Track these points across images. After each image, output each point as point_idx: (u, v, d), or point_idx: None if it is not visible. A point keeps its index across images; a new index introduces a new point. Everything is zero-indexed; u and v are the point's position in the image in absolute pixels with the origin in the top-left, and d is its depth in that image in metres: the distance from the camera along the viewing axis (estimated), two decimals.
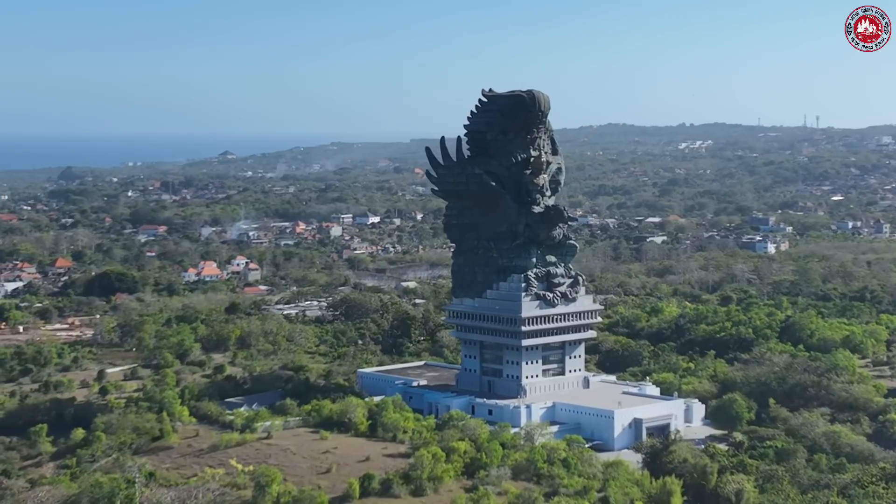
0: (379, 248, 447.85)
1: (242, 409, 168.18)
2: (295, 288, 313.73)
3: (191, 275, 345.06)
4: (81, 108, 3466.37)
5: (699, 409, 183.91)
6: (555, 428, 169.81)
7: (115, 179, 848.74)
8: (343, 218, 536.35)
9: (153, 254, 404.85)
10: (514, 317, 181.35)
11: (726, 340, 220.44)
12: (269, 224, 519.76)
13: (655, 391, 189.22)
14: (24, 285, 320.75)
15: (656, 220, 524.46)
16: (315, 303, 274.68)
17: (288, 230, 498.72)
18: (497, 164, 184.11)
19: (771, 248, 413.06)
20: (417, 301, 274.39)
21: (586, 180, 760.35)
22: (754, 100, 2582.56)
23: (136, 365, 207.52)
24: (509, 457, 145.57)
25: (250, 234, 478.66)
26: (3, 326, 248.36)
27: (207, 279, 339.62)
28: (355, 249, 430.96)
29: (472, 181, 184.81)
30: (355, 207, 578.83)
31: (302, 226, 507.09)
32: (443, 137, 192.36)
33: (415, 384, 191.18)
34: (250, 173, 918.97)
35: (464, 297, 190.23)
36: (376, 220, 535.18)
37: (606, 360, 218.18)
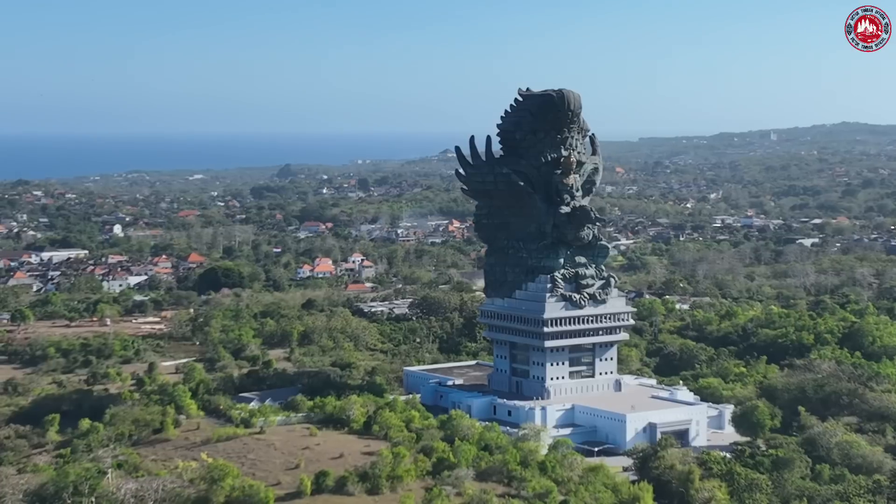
0: None
1: (252, 404, 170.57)
2: (400, 286, 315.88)
3: (305, 271, 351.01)
4: (323, 106, 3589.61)
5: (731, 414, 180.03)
6: (568, 430, 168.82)
7: (324, 177, 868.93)
8: None
9: (279, 250, 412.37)
10: (537, 317, 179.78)
11: (786, 346, 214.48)
12: (427, 222, 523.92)
13: (688, 396, 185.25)
14: (146, 279, 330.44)
15: (817, 221, 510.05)
16: (410, 300, 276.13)
17: (441, 228, 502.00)
18: (526, 163, 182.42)
19: None
20: None
21: (783, 180, 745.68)
22: None
23: (191, 359, 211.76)
24: (483, 458, 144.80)
25: (399, 231, 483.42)
26: (94, 319, 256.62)
27: (318, 275, 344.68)
28: None
29: (501, 181, 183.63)
30: None
31: (455, 224, 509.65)
32: (472, 137, 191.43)
33: (449, 383, 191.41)
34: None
35: (494, 297, 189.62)
36: None
37: (665, 364, 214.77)
